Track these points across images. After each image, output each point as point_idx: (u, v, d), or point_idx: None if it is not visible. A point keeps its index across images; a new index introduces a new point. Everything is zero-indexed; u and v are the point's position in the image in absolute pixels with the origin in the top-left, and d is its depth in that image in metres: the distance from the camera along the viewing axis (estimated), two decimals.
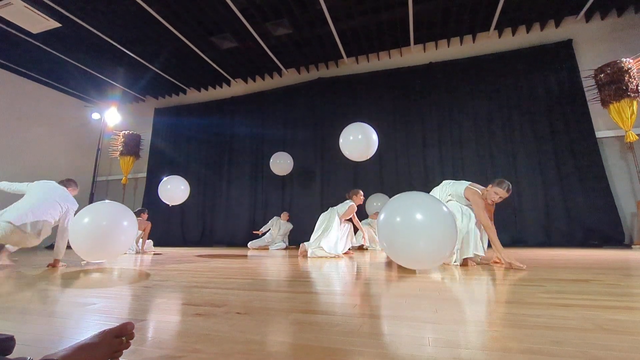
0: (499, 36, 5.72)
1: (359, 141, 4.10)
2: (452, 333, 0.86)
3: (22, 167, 6.54)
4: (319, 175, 6.32)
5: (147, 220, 5.08)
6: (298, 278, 2.05)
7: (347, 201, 4.06)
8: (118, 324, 0.71)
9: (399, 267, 2.49)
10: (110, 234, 2.72)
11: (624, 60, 4.45)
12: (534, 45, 5.43)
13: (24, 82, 6.84)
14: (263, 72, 7.14)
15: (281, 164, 6.03)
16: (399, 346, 0.78)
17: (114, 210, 2.87)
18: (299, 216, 5.99)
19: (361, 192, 4.14)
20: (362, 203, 4.17)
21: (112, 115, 7.58)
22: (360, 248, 4.97)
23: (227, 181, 7.12)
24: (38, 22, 5.04)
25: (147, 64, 6.51)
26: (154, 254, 4.62)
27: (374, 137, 4.17)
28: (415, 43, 5.95)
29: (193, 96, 7.98)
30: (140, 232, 4.84)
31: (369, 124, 6.08)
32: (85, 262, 3.14)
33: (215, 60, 6.52)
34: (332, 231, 3.88)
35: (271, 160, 6.09)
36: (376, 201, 5.24)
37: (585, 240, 4.56)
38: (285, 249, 5.70)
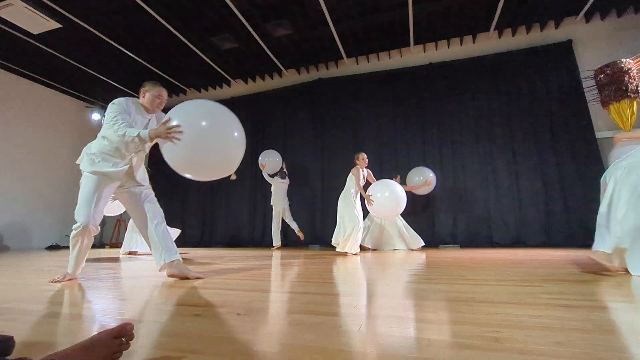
0: (499, 36, 5.71)
1: (385, 198, 3.95)
2: (452, 334, 0.86)
3: (21, 168, 6.54)
4: (319, 175, 6.32)
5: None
6: (298, 278, 2.05)
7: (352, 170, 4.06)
8: (117, 325, 0.71)
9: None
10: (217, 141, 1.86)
11: (624, 60, 4.44)
12: (534, 45, 5.42)
13: (24, 83, 6.83)
14: (263, 73, 7.13)
15: (270, 162, 5.94)
16: (399, 347, 0.78)
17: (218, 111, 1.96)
18: (299, 216, 5.99)
19: (363, 154, 4.06)
20: (366, 165, 4.11)
21: None
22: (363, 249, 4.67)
23: (227, 181, 7.10)
24: (38, 23, 5.03)
25: (147, 65, 6.51)
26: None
27: (401, 193, 4.04)
28: (415, 43, 5.95)
29: (193, 97, 7.98)
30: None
31: (368, 124, 6.16)
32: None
33: (215, 61, 6.52)
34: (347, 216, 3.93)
35: (259, 159, 6.00)
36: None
37: (585, 241, 4.55)
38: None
